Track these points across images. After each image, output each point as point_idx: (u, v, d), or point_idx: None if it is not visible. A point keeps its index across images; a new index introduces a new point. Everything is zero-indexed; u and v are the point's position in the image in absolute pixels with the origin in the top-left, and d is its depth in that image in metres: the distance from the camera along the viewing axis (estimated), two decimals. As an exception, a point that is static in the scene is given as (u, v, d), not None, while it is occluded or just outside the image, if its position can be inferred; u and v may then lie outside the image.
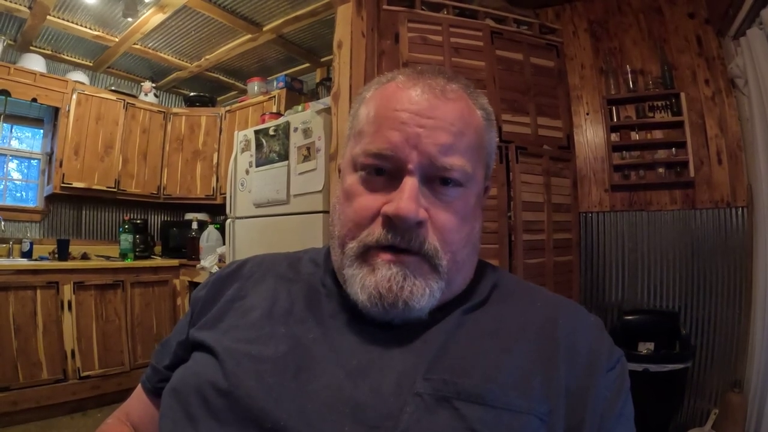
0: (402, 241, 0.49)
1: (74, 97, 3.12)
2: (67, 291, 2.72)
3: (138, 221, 3.59)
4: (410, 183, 0.49)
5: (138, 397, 0.66)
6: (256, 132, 2.53)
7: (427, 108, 0.52)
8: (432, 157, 0.50)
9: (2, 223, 3.04)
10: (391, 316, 0.50)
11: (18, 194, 3.39)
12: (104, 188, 3.29)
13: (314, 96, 3.27)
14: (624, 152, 2.58)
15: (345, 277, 0.53)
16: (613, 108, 2.59)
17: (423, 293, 0.49)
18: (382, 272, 0.49)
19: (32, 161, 3.42)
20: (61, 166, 3.08)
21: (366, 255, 0.51)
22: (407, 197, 0.48)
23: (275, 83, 3.40)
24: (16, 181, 3.39)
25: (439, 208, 0.51)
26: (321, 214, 2.11)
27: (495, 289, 0.57)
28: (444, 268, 0.51)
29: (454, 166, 0.51)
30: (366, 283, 0.50)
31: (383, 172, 0.52)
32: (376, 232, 0.50)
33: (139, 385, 0.67)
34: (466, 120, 0.54)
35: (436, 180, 0.52)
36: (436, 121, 0.51)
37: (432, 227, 0.50)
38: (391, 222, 0.49)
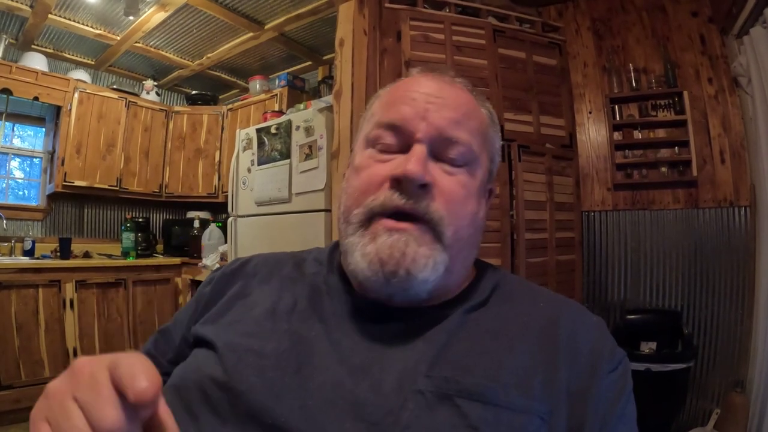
0: (407, 203, 0.49)
1: (76, 95, 3.12)
2: (69, 289, 2.72)
3: (140, 219, 3.59)
4: (419, 148, 0.51)
5: None
6: (258, 130, 2.53)
7: (437, 89, 0.55)
8: (440, 129, 0.52)
9: (4, 221, 3.05)
10: (392, 287, 0.50)
11: (20, 193, 3.39)
12: (106, 187, 3.30)
13: (316, 94, 3.27)
14: (627, 151, 2.57)
15: (346, 247, 0.53)
16: (616, 106, 2.58)
17: (426, 263, 0.49)
18: (382, 239, 0.49)
19: (34, 160, 3.42)
20: (63, 164, 3.08)
21: (369, 222, 0.51)
22: (415, 159, 0.50)
23: (277, 81, 3.40)
24: (18, 180, 3.39)
25: (446, 178, 0.52)
26: (323, 213, 2.11)
27: (496, 290, 0.57)
28: (448, 239, 0.50)
29: (460, 139, 0.53)
30: (366, 250, 0.50)
31: (393, 146, 0.54)
32: (381, 195, 0.51)
33: None
34: (472, 108, 0.57)
35: (443, 155, 0.53)
36: (445, 100, 0.54)
37: (437, 193, 0.51)
38: (399, 184, 0.50)
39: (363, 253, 0.50)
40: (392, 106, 0.55)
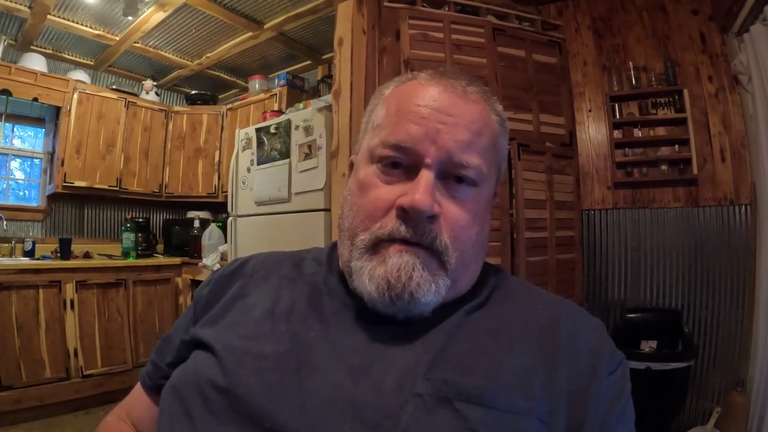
0: (414, 234, 0.49)
1: (75, 96, 3.12)
2: (70, 290, 2.72)
3: (140, 219, 3.59)
4: (426, 176, 0.50)
5: (138, 395, 0.66)
6: (258, 130, 2.53)
7: (449, 106, 0.53)
8: (450, 153, 0.51)
9: (4, 222, 3.05)
10: (396, 308, 0.50)
11: (20, 193, 3.39)
12: (106, 187, 3.30)
13: (315, 93, 3.27)
14: (627, 149, 2.57)
15: (352, 269, 0.53)
16: (616, 105, 2.58)
17: (429, 288, 0.49)
18: (393, 261, 0.49)
19: (34, 160, 3.42)
20: (62, 165, 3.08)
21: (377, 247, 0.51)
22: (423, 190, 0.49)
23: (276, 81, 3.40)
24: (18, 180, 3.39)
25: (452, 205, 0.52)
26: (322, 212, 2.11)
27: (495, 291, 0.57)
28: (452, 265, 0.51)
29: (470, 163, 0.51)
30: (375, 273, 0.50)
31: (400, 166, 0.52)
32: (389, 224, 0.50)
33: (139, 383, 0.67)
34: (485, 121, 0.55)
35: (451, 177, 0.52)
36: (457, 118, 0.52)
37: (444, 223, 0.51)
38: (406, 214, 0.49)
39: (371, 276, 0.50)
40: (400, 121, 0.53)
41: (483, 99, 0.57)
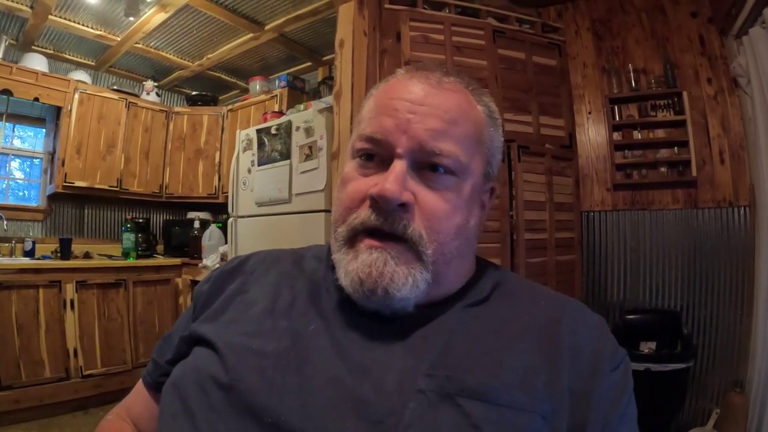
0: (386, 223, 0.49)
1: (76, 96, 3.12)
2: (70, 290, 2.72)
3: (140, 220, 3.59)
4: (398, 165, 0.50)
5: (138, 393, 0.67)
6: (258, 131, 2.53)
7: (422, 97, 0.53)
8: (421, 142, 0.51)
9: (5, 222, 3.05)
10: (373, 303, 0.50)
11: (20, 193, 3.39)
12: (106, 187, 3.30)
13: (316, 95, 3.27)
14: (626, 151, 2.57)
15: (334, 262, 0.54)
16: (616, 107, 2.58)
17: (405, 282, 0.49)
18: (362, 257, 0.50)
19: (34, 160, 3.42)
20: (63, 165, 3.08)
21: (353, 240, 0.52)
22: (392, 178, 0.49)
23: (277, 82, 3.41)
24: (18, 180, 3.39)
25: (429, 194, 0.51)
26: (323, 213, 2.11)
27: (497, 288, 0.57)
28: (429, 257, 0.50)
29: (443, 151, 0.51)
30: (349, 268, 0.50)
31: (376, 158, 0.53)
32: (362, 214, 0.51)
33: (140, 380, 0.68)
34: (463, 110, 0.54)
35: (426, 166, 0.52)
36: (429, 108, 0.52)
37: (419, 213, 0.50)
38: (377, 203, 0.49)
39: (346, 271, 0.51)
40: (375, 116, 0.54)
41: (465, 89, 0.56)
